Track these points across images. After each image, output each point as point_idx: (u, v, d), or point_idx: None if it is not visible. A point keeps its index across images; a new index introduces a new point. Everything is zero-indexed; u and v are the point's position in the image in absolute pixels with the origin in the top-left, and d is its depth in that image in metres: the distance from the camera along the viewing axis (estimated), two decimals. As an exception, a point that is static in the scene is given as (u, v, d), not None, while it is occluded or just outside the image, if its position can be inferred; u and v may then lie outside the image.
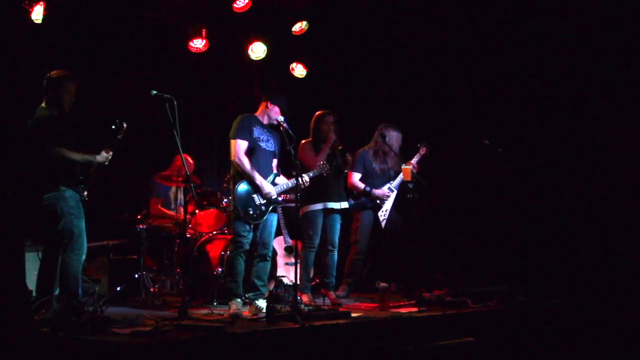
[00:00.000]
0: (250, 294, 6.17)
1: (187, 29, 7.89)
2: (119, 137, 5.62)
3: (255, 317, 5.83)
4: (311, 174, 6.40)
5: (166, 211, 7.64)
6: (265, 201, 6.17)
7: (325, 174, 6.51)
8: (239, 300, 6.11)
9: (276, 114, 6.25)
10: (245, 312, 6.11)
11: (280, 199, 7.42)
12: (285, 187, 6.32)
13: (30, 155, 5.53)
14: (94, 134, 6.05)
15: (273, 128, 6.35)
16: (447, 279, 7.35)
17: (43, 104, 5.62)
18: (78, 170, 5.57)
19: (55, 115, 5.56)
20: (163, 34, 7.85)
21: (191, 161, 7.50)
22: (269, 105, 6.28)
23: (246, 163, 6.09)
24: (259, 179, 6.11)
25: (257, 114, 6.35)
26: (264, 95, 6.39)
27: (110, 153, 5.65)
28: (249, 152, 6.15)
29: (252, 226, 6.17)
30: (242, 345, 4.79)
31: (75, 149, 5.57)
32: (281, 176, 6.42)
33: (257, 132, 6.21)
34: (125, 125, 5.60)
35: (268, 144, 6.29)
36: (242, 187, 6.11)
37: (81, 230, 5.50)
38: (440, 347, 5.36)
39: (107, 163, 5.65)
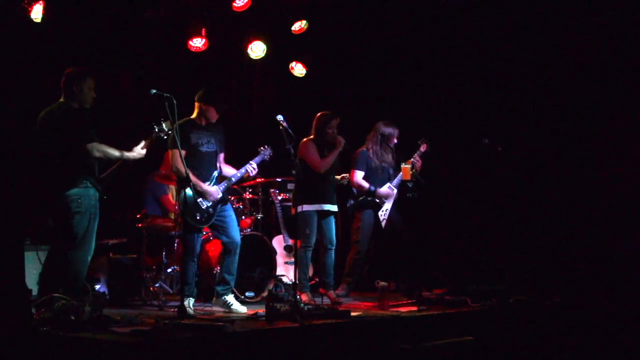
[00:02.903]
0: (220, 288, 6.22)
1: (186, 28, 7.89)
2: (162, 135, 5.58)
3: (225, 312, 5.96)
4: (253, 162, 6.38)
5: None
6: (211, 203, 6.18)
7: (267, 158, 6.48)
8: (192, 299, 6.10)
9: (212, 113, 6.22)
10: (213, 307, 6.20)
11: (276, 199, 7.44)
12: (229, 183, 6.33)
13: (59, 151, 5.45)
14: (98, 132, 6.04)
15: (212, 126, 6.29)
16: (443, 277, 7.35)
17: (62, 99, 5.58)
18: (96, 167, 5.55)
19: (77, 110, 5.54)
20: (162, 32, 7.84)
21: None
22: (202, 106, 6.22)
23: (185, 172, 5.98)
24: (199, 185, 6.10)
25: (193, 117, 6.27)
26: (196, 97, 6.27)
27: (145, 150, 5.62)
28: (190, 159, 6.06)
29: (200, 230, 6.23)
30: (241, 345, 4.79)
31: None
32: (228, 168, 6.40)
33: (194, 137, 6.16)
34: (172, 124, 5.55)
35: (209, 145, 6.23)
36: (186, 194, 6.04)
37: (93, 230, 5.49)
38: (440, 347, 5.36)
39: (142, 158, 5.63)
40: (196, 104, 6.28)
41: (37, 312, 4.98)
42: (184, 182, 6.02)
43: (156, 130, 5.62)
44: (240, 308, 6.13)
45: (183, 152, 5.98)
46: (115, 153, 5.55)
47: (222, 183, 6.29)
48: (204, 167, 6.21)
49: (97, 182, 5.53)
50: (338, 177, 7.17)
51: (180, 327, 4.86)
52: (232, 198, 6.92)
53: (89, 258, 5.50)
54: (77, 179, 5.43)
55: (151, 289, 6.99)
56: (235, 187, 7.08)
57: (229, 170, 6.41)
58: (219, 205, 6.23)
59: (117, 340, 4.52)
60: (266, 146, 6.56)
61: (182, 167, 5.90)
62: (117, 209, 7.48)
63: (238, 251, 6.28)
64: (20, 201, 5.72)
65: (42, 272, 5.52)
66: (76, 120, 5.46)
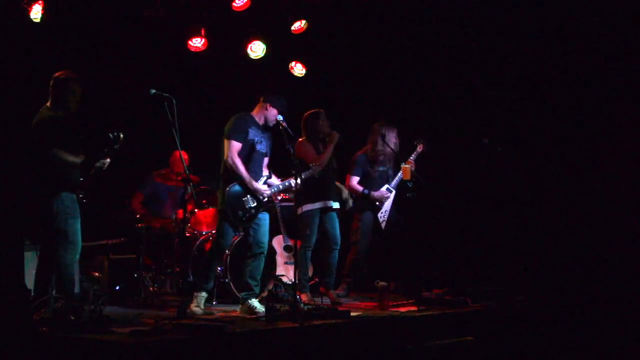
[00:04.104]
0: (243, 294, 6.15)
1: (186, 28, 7.88)
2: (115, 147, 5.54)
3: (249, 316, 5.84)
4: (303, 176, 6.30)
5: (143, 211, 7.60)
6: (255, 204, 6.10)
7: (316, 175, 6.44)
8: (204, 294, 6.07)
9: (273, 117, 6.18)
10: (237, 312, 6.13)
11: (276, 200, 7.43)
12: (276, 189, 6.29)
13: (32, 154, 5.50)
14: (94, 133, 6.03)
15: (267, 129, 6.27)
16: (443, 277, 7.34)
17: (48, 104, 5.60)
18: (77, 171, 5.55)
19: (60, 116, 5.55)
20: (162, 32, 7.83)
21: (185, 156, 7.47)
22: (268, 107, 6.19)
23: (240, 166, 6.00)
24: (252, 184, 6.04)
25: (253, 113, 6.25)
26: (264, 96, 6.25)
27: (108, 160, 5.62)
28: (243, 154, 6.06)
29: (237, 229, 6.18)
30: (241, 345, 4.78)
31: (78, 150, 5.55)
32: (273, 177, 6.38)
33: (252, 133, 6.11)
34: (122, 136, 5.52)
35: (261, 145, 6.20)
36: (234, 189, 6.01)
37: (76, 229, 5.49)
38: (440, 347, 5.36)
39: (104, 168, 5.62)
40: (261, 103, 6.22)
41: (36, 312, 4.98)
42: (233, 176, 5.99)
43: (111, 138, 5.53)
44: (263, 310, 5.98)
45: (239, 145, 6.00)
46: (71, 159, 5.49)
47: (270, 188, 6.22)
48: (256, 165, 6.16)
49: (73, 185, 5.52)
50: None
51: (180, 327, 4.86)
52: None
53: (77, 257, 5.50)
54: (50, 181, 5.45)
55: (151, 289, 6.99)
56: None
57: (274, 179, 6.37)
58: (260, 209, 6.15)
59: (117, 340, 4.52)
60: (317, 164, 6.47)
61: (238, 160, 5.94)
62: (116, 209, 7.50)
63: (263, 258, 6.21)
64: (20, 202, 5.73)
65: (36, 272, 5.53)
66: (51, 126, 5.48)
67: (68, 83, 5.61)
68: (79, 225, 5.52)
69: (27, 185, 5.65)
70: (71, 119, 5.62)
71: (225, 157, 6.04)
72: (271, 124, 6.23)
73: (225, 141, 6.05)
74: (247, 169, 6.06)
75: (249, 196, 6.06)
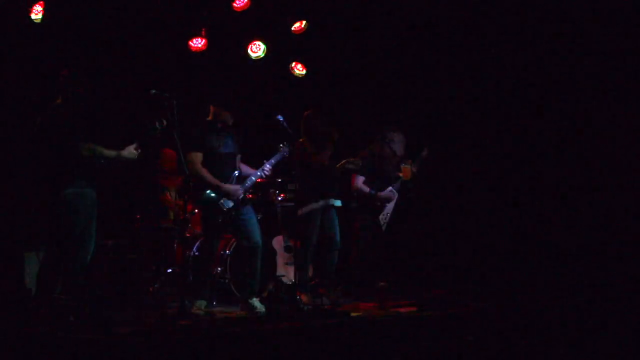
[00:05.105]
0: (243, 293, 6.16)
1: (186, 28, 7.89)
2: (155, 133, 5.54)
3: (249, 316, 5.86)
4: (273, 161, 6.31)
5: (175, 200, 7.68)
6: (233, 205, 6.11)
7: (286, 154, 6.39)
8: (204, 302, 6.10)
9: (226, 116, 6.19)
10: (237, 311, 6.14)
11: (276, 200, 7.41)
12: (250, 183, 6.25)
13: (51, 151, 5.44)
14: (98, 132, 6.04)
15: (228, 128, 6.26)
16: (443, 277, 7.35)
17: (59, 101, 5.60)
18: (95, 167, 5.55)
19: (74, 110, 5.55)
20: (162, 32, 7.84)
21: (171, 152, 7.51)
22: (216, 110, 6.20)
23: (204, 173, 6.01)
24: (222, 187, 6.05)
25: (209, 119, 6.26)
26: (210, 102, 6.27)
27: (139, 150, 5.61)
28: (209, 162, 6.07)
29: (220, 234, 6.21)
30: (241, 345, 4.79)
31: (103, 143, 5.55)
32: (245, 169, 6.35)
33: (212, 139, 6.12)
34: (165, 122, 5.54)
35: (225, 147, 6.19)
36: (209, 196, 6.04)
37: (92, 231, 5.48)
38: (440, 347, 5.36)
39: (136, 158, 5.61)
40: (211, 107, 6.24)
41: (36, 312, 4.98)
42: (203, 184, 6.00)
43: (148, 129, 5.55)
44: (264, 309, 6.05)
45: (200, 155, 6.00)
46: (106, 152, 5.51)
47: (242, 184, 6.22)
48: (223, 169, 6.16)
49: (94, 181, 5.51)
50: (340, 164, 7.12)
51: (180, 327, 4.86)
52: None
53: (88, 258, 5.49)
54: (73, 178, 5.41)
55: (151, 289, 6.99)
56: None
57: (248, 171, 6.37)
58: (241, 207, 6.16)
59: (117, 340, 4.52)
60: (285, 143, 6.43)
61: (201, 170, 5.95)
62: (116, 209, 7.49)
63: (260, 255, 6.20)
64: (20, 202, 5.73)
65: (39, 271, 5.50)
66: (69, 121, 5.46)
67: (78, 79, 5.61)
68: (94, 227, 5.51)
69: (36, 184, 5.62)
70: (82, 114, 5.61)
71: (188, 171, 6.01)
72: (229, 123, 6.22)
73: (185, 155, 6.01)
74: (216, 174, 6.07)
75: (223, 199, 6.07)
